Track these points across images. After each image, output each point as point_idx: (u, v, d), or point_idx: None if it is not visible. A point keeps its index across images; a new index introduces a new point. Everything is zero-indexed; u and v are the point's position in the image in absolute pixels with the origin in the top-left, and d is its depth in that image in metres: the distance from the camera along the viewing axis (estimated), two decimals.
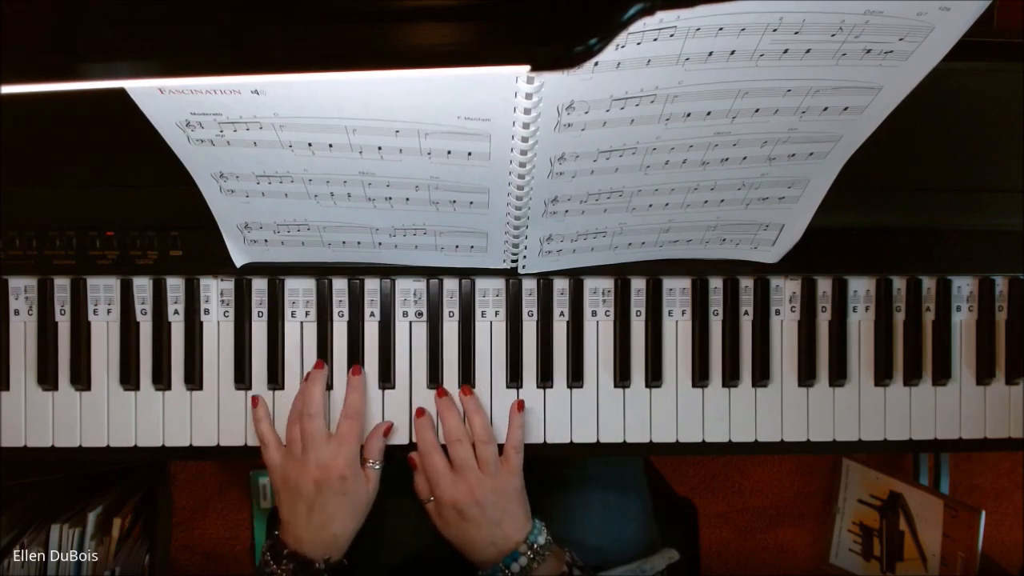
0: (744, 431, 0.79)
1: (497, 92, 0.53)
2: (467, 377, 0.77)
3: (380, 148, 0.59)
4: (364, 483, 0.72)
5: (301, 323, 0.77)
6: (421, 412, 0.75)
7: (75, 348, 0.75)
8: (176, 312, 0.76)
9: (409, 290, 0.77)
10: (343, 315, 0.77)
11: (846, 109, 0.58)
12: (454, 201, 0.65)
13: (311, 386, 0.73)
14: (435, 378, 0.76)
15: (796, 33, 0.50)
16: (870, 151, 0.63)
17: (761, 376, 0.78)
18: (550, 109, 0.54)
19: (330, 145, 0.59)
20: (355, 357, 0.76)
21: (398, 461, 0.75)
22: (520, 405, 0.75)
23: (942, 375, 0.80)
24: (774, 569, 1.54)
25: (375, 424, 0.76)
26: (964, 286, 0.81)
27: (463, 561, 0.73)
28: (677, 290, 0.79)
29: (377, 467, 0.73)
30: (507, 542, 0.70)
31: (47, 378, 0.75)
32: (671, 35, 0.49)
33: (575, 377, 0.77)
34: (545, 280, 0.77)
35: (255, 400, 0.75)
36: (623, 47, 0.49)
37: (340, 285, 0.77)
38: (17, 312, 0.76)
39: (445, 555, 0.74)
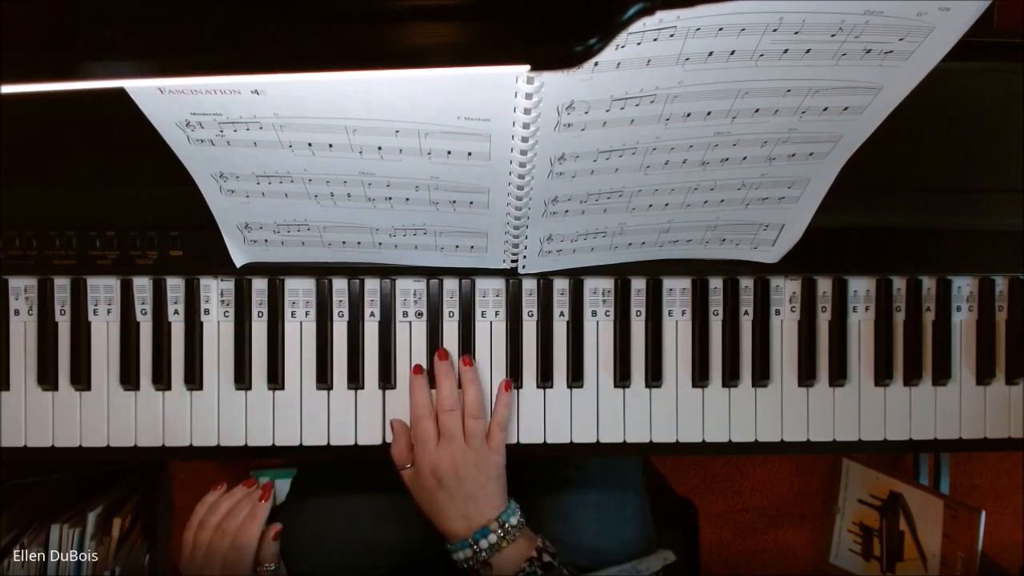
0: (744, 431, 0.79)
1: (497, 92, 0.53)
2: None
3: (380, 148, 0.59)
4: None
5: (301, 323, 0.77)
6: (419, 369, 0.75)
7: (75, 348, 0.75)
8: (176, 312, 0.76)
9: (409, 290, 0.77)
10: (343, 315, 0.77)
11: (846, 109, 0.58)
12: (454, 201, 0.65)
13: (229, 520, 0.74)
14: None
15: (796, 33, 0.50)
16: (870, 151, 0.63)
17: (761, 376, 0.78)
18: (550, 109, 0.54)
19: (330, 145, 0.59)
20: (355, 357, 0.76)
21: (389, 462, 0.75)
22: (508, 384, 0.75)
23: (942, 375, 0.80)
24: (774, 569, 1.54)
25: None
26: (964, 286, 0.81)
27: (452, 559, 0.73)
28: (677, 290, 0.79)
29: (272, 568, 0.74)
30: (479, 517, 0.70)
31: (47, 378, 0.75)
32: (671, 35, 0.49)
33: (575, 377, 0.77)
34: (545, 280, 0.77)
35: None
36: (623, 47, 0.49)
37: (340, 285, 0.77)
38: (17, 312, 0.76)
39: (436, 552, 0.74)
